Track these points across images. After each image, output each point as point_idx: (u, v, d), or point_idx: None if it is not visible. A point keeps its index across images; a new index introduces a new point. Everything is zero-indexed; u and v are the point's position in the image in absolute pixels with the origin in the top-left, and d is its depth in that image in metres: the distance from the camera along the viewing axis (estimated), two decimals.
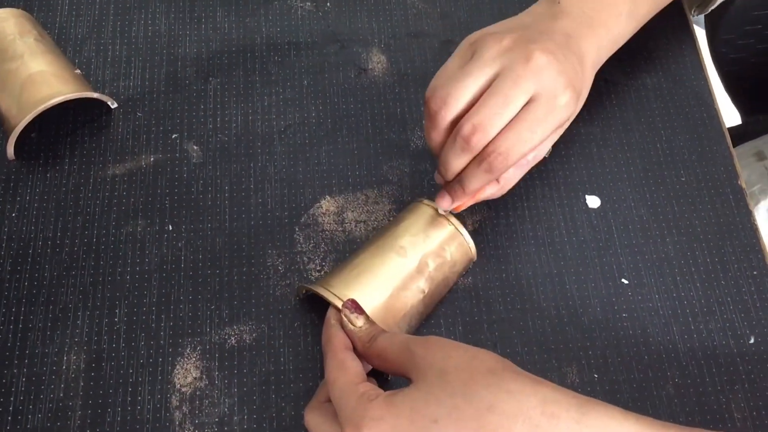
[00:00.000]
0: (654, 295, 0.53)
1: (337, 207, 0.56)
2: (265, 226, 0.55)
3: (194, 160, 0.57)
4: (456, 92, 0.45)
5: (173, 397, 0.49)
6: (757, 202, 0.75)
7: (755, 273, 0.54)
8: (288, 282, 0.53)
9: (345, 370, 0.42)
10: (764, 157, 0.83)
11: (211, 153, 0.57)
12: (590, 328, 0.52)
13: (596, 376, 0.50)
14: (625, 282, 0.53)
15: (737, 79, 0.86)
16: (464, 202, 0.50)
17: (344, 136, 0.58)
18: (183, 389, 0.49)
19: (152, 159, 0.57)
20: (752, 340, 0.52)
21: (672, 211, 0.56)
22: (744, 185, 0.57)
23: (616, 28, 0.52)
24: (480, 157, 0.46)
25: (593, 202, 0.56)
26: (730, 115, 0.91)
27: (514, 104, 0.45)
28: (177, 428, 0.48)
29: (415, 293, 0.48)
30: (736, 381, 0.50)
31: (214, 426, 0.48)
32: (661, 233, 0.55)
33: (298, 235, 0.54)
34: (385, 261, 0.48)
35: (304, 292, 0.51)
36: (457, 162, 0.46)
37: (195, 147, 0.57)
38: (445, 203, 0.49)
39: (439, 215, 0.50)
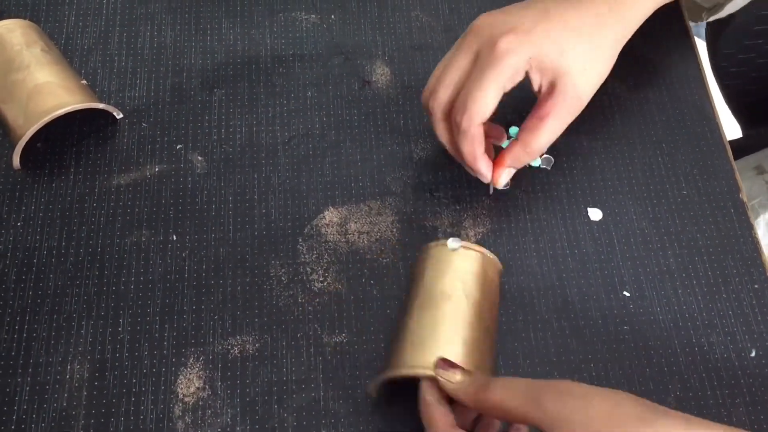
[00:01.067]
0: (655, 307, 0.53)
1: (341, 218, 0.56)
2: (268, 236, 0.55)
3: (199, 171, 0.57)
4: (434, 83, 0.51)
5: (176, 406, 0.49)
6: (757, 216, 0.76)
7: (756, 286, 0.54)
8: (291, 293, 0.53)
9: None
10: (764, 170, 0.83)
11: (216, 164, 0.57)
12: (592, 341, 0.52)
13: None
14: (627, 294, 0.54)
15: (738, 92, 0.87)
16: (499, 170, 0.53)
17: (348, 148, 0.59)
18: (186, 399, 0.49)
19: (157, 169, 0.57)
20: (753, 354, 0.52)
21: (673, 224, 0.56)
22: (745, 199, 0.57)
23: None
24: (453, 122, 0.50)
25: (595, 214, 0.57)
26: (731, 128, 0.91)
27: (454, 64, 0.50)
28: None
29: (481, 327, 0.47)
30: (738, 394, 0.51)
31: None
32: (663, 246, 0.55)
33: (301, 245, 0.55)
34: (438, 314, 0.47)
35: (381, 383, 0.47)
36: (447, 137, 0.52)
37: (200, 158, 0.58)
38: (484, 178, 0.53)
39: (452, 250, 0.49)
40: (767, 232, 0.79)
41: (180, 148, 0.58)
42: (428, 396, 0.44)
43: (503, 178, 0.53)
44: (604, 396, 0.38)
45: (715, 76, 0.85)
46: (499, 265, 0.51)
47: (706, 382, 0.51)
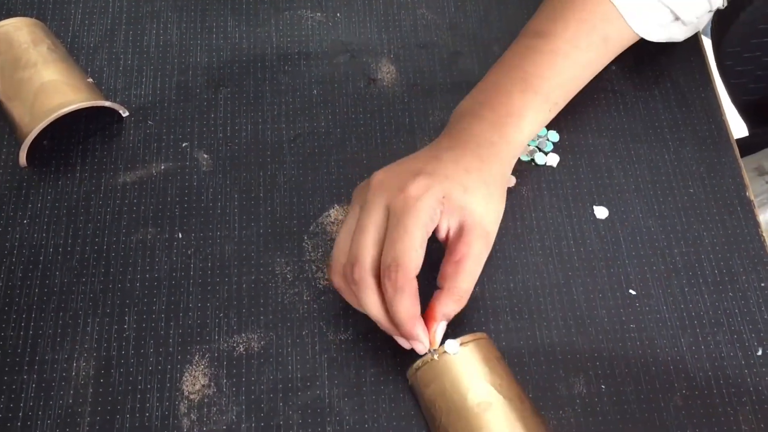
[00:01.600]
0: (662, 305, 0.53)
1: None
2: (274, 234, 0.55)
3: (204, 169, 0.57)
4: (353, 252, 0.46)
5: (181, 404, 0.49)
6: (761, 221, 0.76)
7: (763, 284, 0.54)
8: (296, 290, 0.53)
9: None
10: (765, 171, 0.83)
11: (221, 161, 0.57)
12: (597, 339, 0.52)
13: (603, 387, 0.50)
14: (633, 293, 0.54)
15: (743, 90, 0.86)
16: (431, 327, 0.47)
17: (353, 146, 0.59)
18: (191, 396, 0.49)
19: (163, 167, 0.57)
20: (760, 352, 0.52)
21: (680, 222, 0.56)
22: (752, 197, 0.57)
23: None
24: (382, 284, 0.45)
25: (601, 212, 0.56)
26: (736, 127, 0.91)
27: (371, 226, 0.46)
28: None
29: (526, 409, 0.46)
30: (744, 393, 0.50)
31: None
32: (669, 244, 0.55)
33: (307, 243, 0.55)
34: (488, 427, 0.44)
35: None
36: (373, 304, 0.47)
37: (205, 155, 0.58)
38: (420, 347, 0.47)
39: (455, 354, 0.47)
40: (766, 230, 0.78)
41: (186, 146, 0.58)
42: None
43: (439, 334, 0.47)
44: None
45: (720, 74, 0.84)
46: (487, 336, 0.49)
47: (713, 381, 0.51)
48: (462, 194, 0.47)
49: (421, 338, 0.46)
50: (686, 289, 0.54)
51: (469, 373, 0.46)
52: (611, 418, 0.49)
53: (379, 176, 0.48)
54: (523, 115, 0.52)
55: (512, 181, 0.56)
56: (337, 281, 0.48)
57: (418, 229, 0.45)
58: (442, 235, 0.48)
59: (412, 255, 0.45)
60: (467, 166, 0.48)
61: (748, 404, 0.50)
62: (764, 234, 0.56)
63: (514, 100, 0.52)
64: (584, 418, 0.49)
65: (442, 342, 0.47)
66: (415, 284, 0.45)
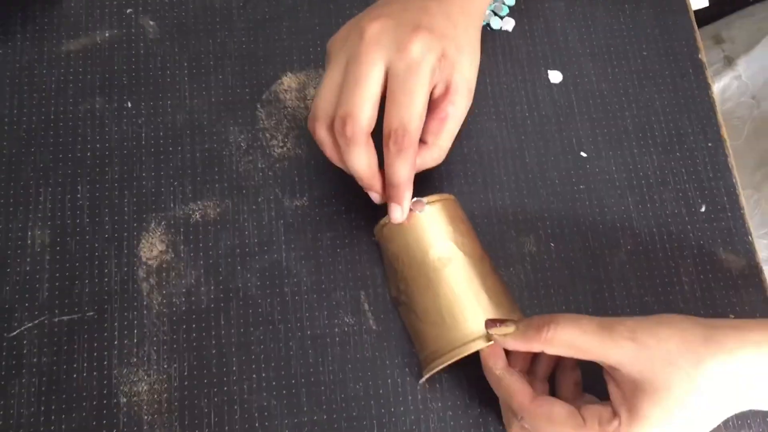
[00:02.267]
0: (611, 167, 0.54)
1: (299, 83, 0.55)
2: (226, 103, 0.54)
3: (151, 36, 0.55)
4: (355, 105, 0.43)
5: (140, 269, 0.50)
6: (712, 84, 0.76)
7: (710, 145, 0.55)
8: (251, 158, 0.53)
9: (553, 420, 0.41)
10: (721, 40, 0.83)
11: (168, 29, 0.56)
12: (548, 200, 0.53)
13: (552, 245, 0.52)
14: (584, 155, 0.54)
15: None
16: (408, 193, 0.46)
17: (305, 12, 0.57)
18: (149, 262, 0.50)
19: (107, 34, 0.55)
20: (703, 209, 0.53)
21: (632, 86, 0.56)
22: (704, 59, 0.57)
23: None
24: (386, 145, 0.44)
25: (555, 77, 0.56)
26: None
27: (368, 82, 0.43)
28: (145, 299, 0.49)
29: (486, 267, 0.47)
30: (686, 247, 0.52)
31: (181, 296, 0.49)
32: (621, 107, 0.56)
33: (260, 112, 0.54)
34: (451, 282, 0.45)
35: (431, 373, 0.45)
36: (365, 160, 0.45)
37: (151, 22, 0.56)
38: (398, 214, 0.46)
39: (420, 212, 0.47)
40: (720, 99, 0.80)
41: (130, 12, 0.56)
42: (497, 370, 0.44)
43: (399, 213, 0.47)
44: (668, 324, 0.40)
45: None
46: (453, 198, 0.49)
47: (657, 237, 0.53)
48: (455, 52, 0.45)
49: (405, 204, 0.46)
50: (635, 151, 0.55)
51: (433, 230, 0.47)
52: (559, 274, 0.51)
53: (373, 28, 0.44)
54: None
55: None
56: (321, 134, 0.45)
57: (423, 93, 0.43)
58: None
59: (418, 120, 0.43)
60: (456, 21, 0.46)
61: (690, 257, 0.52)
62: (717, 104, 0.57)
63: None
64: (533, 274, 0.51)
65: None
66: (417, 148, 0.44)
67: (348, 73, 0.43)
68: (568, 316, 0.42)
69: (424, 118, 0.44)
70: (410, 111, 0.42)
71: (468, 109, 0.47)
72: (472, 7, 0.47)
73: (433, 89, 0.45)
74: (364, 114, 0.43)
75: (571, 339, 0.41)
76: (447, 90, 0.46)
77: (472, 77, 0.46)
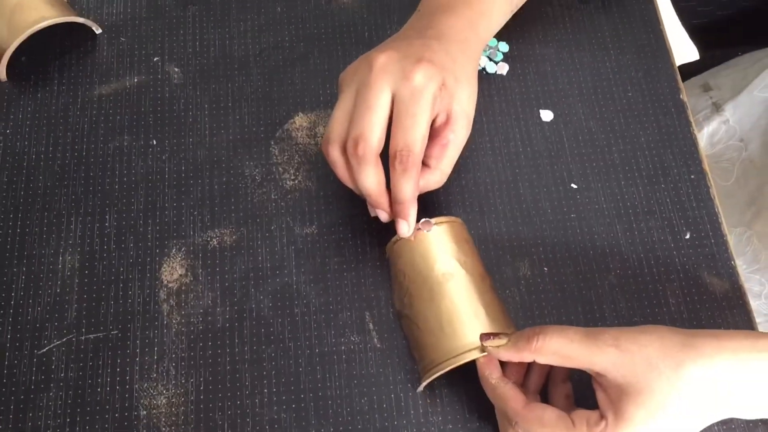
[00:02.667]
0: (600, 197, 0.58)
1: (310, 122, 0.60)
2: (242, 140, 0.59)
3: (175, 81, 0.61)
4: (363, 131, 0.48)
5: (161, 291, 0.54)
6: (701, 128, 0.80)
7: (693, 177, 0.59)
8: (265, 190, 0.57)
9: (544, 423, 0.44)
10: (709, 88, 0.87)
11: (191, 74, 0.61)
12: (541, 228, 0.57)
13: (546, 269, 0.55)
14: (574, 186, 0.58)
15: (692, 14, 0.91)
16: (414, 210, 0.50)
17: (316, 58, 0.62)
18: (170, 285, 0.54)
19: (136, 80, 0.60)
20: (688, 236, 0.57)
21: (618, 123, 0.61)
22: (686, 99, 0.62)
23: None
24: (392, 165, 0.48)
25: (546, 116, 0.61)
26: (689, 53, 0.95)
27: (377, 107, 0.47)
28: (165, 318, 0.53)
29: (486, 285, 0.50)
30: (672, 272, 0.56)
31: (199, 316, 0.53)
32: (608, 143, 0.60)
33: (274, 148, 0.59)
34: (452, 296, 0.49)
35: (430, 379, 0.48)
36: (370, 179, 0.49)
37: (176, 69, 0.61)
38: (405, 228, 0.50)
39: (428, 232, 0.51)
40: (709, 143, 0.83)
41: (157, 60, 0.61)
42: (493, 379, 0.47)
43: (406, 228, 0.50)
44: (649, 332, 0.43)
45: None
46: (460, 221, 0.53)
47: (644, 261, 0.56)
48: (454, 84, 0.50)
49: (410, 220, 0.50)
50: (623, 182, 0.59)
51: (438, 248, 0.50)
52: (552, 296, 0.55)
53: (381, 60, 0.48)
54: (492, 14, 0.55)
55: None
56: (335, 155, 0.49)
57: (425, 117, 0.48)
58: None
59: (420, 141, 0.47)
60: (455, 57, 0.51)
61: (676, 281, 0.55)
62: (698, 140, 0.61)
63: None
64: (528, 296, 0.55)
65: (419, 221, 0.51)
66: (419, 168, 0.49)
67: (359, 99, 0.48)
68: (556, 327, 0.45)
69: (426, 140, 0.48)
70: (414, 133, 0.47)
71: (467, 137, 0.51)
72: (469, 48, 0.52)
73: (435, 118, 0.50)
74: (374, 135, 0.47)
75: (558, 347, 0.44)
76: (447, 119, 0.50)
77: (470, 108, 0.51)
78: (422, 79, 0.47)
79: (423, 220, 0.51)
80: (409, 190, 0.48)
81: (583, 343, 0.43)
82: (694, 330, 0.44)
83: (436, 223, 0.51)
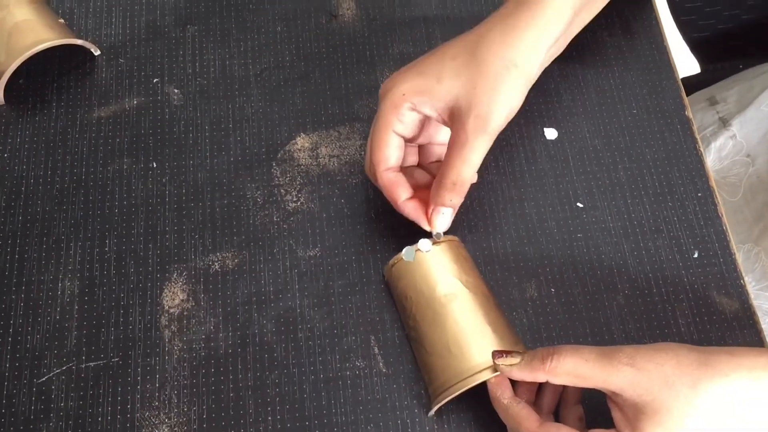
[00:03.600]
0: (606, 216, 0.57)
1: (311, 143, 0.59)
2: (244, 161, 0.58)
3: (175, 103, 0.60)
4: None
5: (162, 317, 0.53)
6: (708, 144, 0.80)
7: (700, 195, 0.58)
8: (267, 212, 0.56)
9: None
10: (716, 102, 0.87)
11: (191, 95, 0.60)
12: (548, 248, 0.56)
13: (553, 290, 0.55)
14: (580, 205, 0.58)
15: (693, 28, 0.90)
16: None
17: (317, 78, 0.62)
18: (171, 310, 0.53)
19: (135, 102, 0.60)
20: (696, 255, 0.56)
21: (624, 141, 0.60)
22: (691, 115, 0.61)
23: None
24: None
25: (551, 134, 0.60)
26: (690, 66, 0.95)
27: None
28: (167, 345, 0.52)
29: (491, 303, 0.50)
30: (681, 291, 0.55)
31: (201, 342, 0.52)
32: (614, 161, 0.59)
33: (275, 169, 0.58)
34: (457, 316, 0.48)
35: (441, 403, 0.48)
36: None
37: (176, 90, 0.61)
38: (443, 219, 0.51)
39: (427, 252, 0.50)
40: (717, 158, 0.83)
41: (156, 81, 0.61)
42: (505, 399, 0.46)
43: (437, 220, 0.51)
44: (665, 350, 0.43)
45: (670, 11, 0.88)
46: (458, 240, 0.53)
47: (653, 281, 0.55)
48: (434, 84, 0.49)
49: (410, 213, 0.51)
50: (629, 201, 0.58)
51: (439, 268, 0.50)
52: (560, 317, 0.54)
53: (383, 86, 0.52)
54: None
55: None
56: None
57: (383, 129, 0.50)
58: (439, 122, 0.51)
59: (377, 151, 0.50)
60: (454, 53, 0.49)
61: (685, 301, 0.55)
62: (709, 165, 0.60)
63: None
64: (535, 318, 0.54)
65: (416, 242, 0.51)
66: (389, 176, 0.51)
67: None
68: (570, 347, 0.44)
69: (388, 152, 0.51)
70: (371, 144, 0.51)
71: (476, 134, 0.49)
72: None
73: (444, 123, 0.51)
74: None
75: (573, 368, 0.43)
76: (452, 123, 0.50)
77: (475, 106, 0.49)
78: (381, 91, 0.51)
79: (421, 240, 0.51)
80: (387, 195, 0.51)
81: (598, 362, 0.43)
82: (709, 347, 0.43)
83: (434, 243, 0.50)
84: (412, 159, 0.56)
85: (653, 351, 0.43)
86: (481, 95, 0.48)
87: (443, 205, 0.50)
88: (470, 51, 0.49)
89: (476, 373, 0.46)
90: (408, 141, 0.53)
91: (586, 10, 0.53)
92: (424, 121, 0.53)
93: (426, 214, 0.51)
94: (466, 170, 0.49)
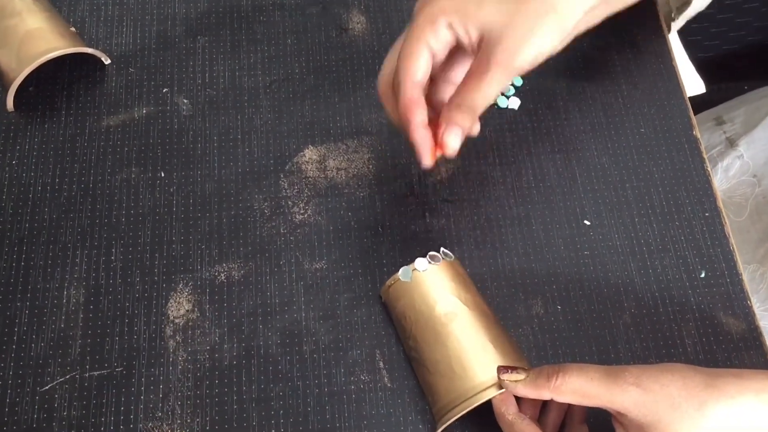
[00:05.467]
0: (614, 234, 0.57)
1: (320, 155, 0.59)
2: (251, 173, 0.58)
3: (184, 113, 0.60)
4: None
5: (167, 327, 0.53)
6: (716, 164, 0.80)
7: (707, 214, 0.58)
8: (273, 224, 0.56)
9: None
10: (723, 122, 0.87)
11: (200, 106, 0.60)
12: (554, 265, 0.56)
13: (559, 307, 0.55)
14: (587, 223, 0.58)
15: (699, 48, 0.91)
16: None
17: (326, 91, 0.62)
18: (176, 320, 0.53)
19: (144, 111, 0.60)
20: (703, 275, 0.56)
21: (631, 159, 0.60)
22: (699, 135, 0.61)
23: None
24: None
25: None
26: (696, 85, 0.95)
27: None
28: (171, 355, 0.52)
29: (491, 320, 0.50)
30: (688, 311, 0.55)
31: (205, 353, 0.52)
32: (621, 179, 0.59)
33: (283, 181, 0.58)
34: (458, 335, 0.48)
35: (447, 424, 0.48)
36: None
37: (185, 100, 0.61)
38: (455, 139, 0.47)
39: (424, 271, 0.50)
40: (724, 177, 0.83)
41: (166, 91, 0.61)
42: (509, 415, 0.46)
43: (450, 137, 0.48)
44: (671, 371, 0.42)
45: (677, 31, 0.88)
46: (454, 257, 0.53)
47: (659, 300, 0.55)
48: (475, 8, 0.47)
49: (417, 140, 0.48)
50: (636, 219, 0.58)
51: (436, 288, 0.50)
52: (566, 335, 0.54)
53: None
54: None
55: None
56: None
57: (415, 41, 0.47)
58: (465, 42, 0.48)
59: (406, 62, 0.48)
60: None
61: (692, 321, 0.54)
62: (717, 184, 0.60)
63: None
64: (541, 335, 0.54)
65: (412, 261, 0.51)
66: (414, 92, 0.48)
67: None
68: (576, 365, 0.44)
69: (417, 65, 0.47)
70: (401, 53, 0.48)
71: (499, 68, 0.47)
72: None
73: (470, 46, 0.48)
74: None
75: (579, 386, 0.43)
76: (479, 46, 0.48)
77: (505, 39, 0.47)
78: (417, 5, 0.48)
79: (417, 259, 0.51)
80: (401, 111, 0.47)
81: (603, 381, 0.42)
82: (715, 369, 0.43)
83: (415, 269, 0.50)
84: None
85: (659, 372, 0.42)
86: (514, 29, 0.47)
87: (456, 124, 0.48)
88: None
89: (481, 391, 0.46)
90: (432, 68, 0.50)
91: None
92: (453, 51, 0.50)
93: (435, 139, 0.48)
94: (483, 98, 0.47)
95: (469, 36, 0.48)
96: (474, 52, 0.49)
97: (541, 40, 0.47)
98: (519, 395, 0.46)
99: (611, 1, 0.52)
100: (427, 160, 0.48)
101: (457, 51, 0.50)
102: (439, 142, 0.48)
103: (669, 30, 0.67)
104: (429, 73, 0.49)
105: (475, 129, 0.49)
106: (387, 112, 0.50)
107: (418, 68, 0.48)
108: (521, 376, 0.45)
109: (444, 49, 0.49)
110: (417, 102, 0.48)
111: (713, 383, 0.42)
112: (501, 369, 0.46)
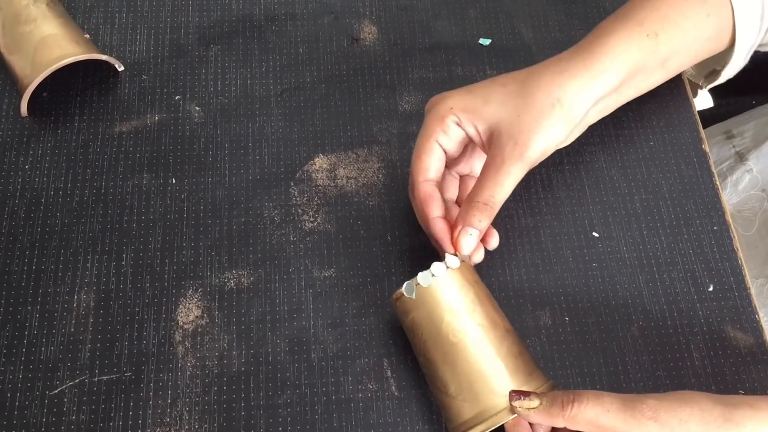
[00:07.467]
0: (622, 247, 0.57)
1: (330, 164, 0.60)
2: (262, 180, 0.59)
3: (196, 120, 0.61)
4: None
5: (176, 333, 0.53)
6: (725, 178, 0.80)
7: (716, 228, 0.58)
8: (283, 232, 0.57)
9: None
10: (732, 136, 0.87)
11: (212, 113, 0.61)
12: (563, 276, 0.56)
13: (567, 318, 0.55)
14: (596, 235, 0.58)
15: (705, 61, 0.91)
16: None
17: (337, 100, 0.62)
18: (185, 326, 0.53)
19: (157, 118, 0.60)
20: (711, 288, 0.56)
21: (640, 172, 0.60)
22: (707, 149, 0.61)
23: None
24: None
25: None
26: (704, 99, 0.96)
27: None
28: (180, 361, 0.52)
29: (505, 330, 0.48)
30: (696, 324, 0.55)
31: (214, 359, 0.52)
32: (630, 191, 0.60)
33: (293, 189, 0.58)
34: (472, 352, 0.47)
35: None
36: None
37: (197, 108, 0.61)
38: (469, 240, 0.49)
39: (420, 287, 0.48)
40: (733, 191, 0.83)
41: (178, 99, 0.61)
42: None
43: (464, 240, 0.49)
44: (689, 403, 0.42)
45: None
46: (467, 260, 0.51)
47: (667, 313, 0.55)
48: (482, 105, 0.50)
49: (437, 234, 0.50)
50: (645, 232, 0.58)
51: (444, 302, 0.48)
52: (574, 346, 0.54)
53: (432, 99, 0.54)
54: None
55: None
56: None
57: (425, 140, 0.51)
58: (476, 141, 0.52)
59: (419, 160, 0.51)
60: (504, 81, 0.51)
61: (700, 334, 0.54)
62: (726, 198, 0.60)
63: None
64: (549, 346, 0.54)
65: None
66: (427, 188, 0.51)
67: None
68: (591, 394, 0.43)
69: (429, 162, 0.52)
70: (414, 153, 0.52)
71: (512, 159, 0.49)
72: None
73: (480, 142, 0.52)
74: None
75: (594, 417, 0.42)
76: (489, 141, 0.51)
77: (516, 131, 0.50)
78: (428, 105, 0.52)
79: (435, 265, 0.48)
80: (416, 208, 0.52)
81: (620, 414, 0.42)
82: (732, 399, 0.42)
83: (434, 275, 0.48)
84: (453, 191, 0.55)
85: (677, 404, 0.42)
86: (523, 124, 0.49)
87: (471, 225, 0.49)
88: (521, 82, 0.51)
89: (493, 415, 0.45)
90: (449, 162, 0.53)
91: (642, 77, 0.54)
92: (467, 146, 0.53)
93: (452, 235, 0.50)
94: (498, 192, 0.49)
95: (479, 132, 0.51)
96: (484, 148, 0.51)
97: (548, 133, 0.49)
98: (532, 422, 0.46)
99: (622, 92, 0.54)
100: (449, 249, 0.50)
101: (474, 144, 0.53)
102: (453, 243, 0.50)
103: (695, 94, 0.67)
104: (442, 169, 0.52)
105: (494, 242, 0.52)
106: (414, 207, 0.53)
107: (430, 165, 0.51)
108: (534, 403, 0.44)
109: (456, 145, 0.52)
110: (432, 196, 0.51)
111: (731, 417, 0.41)
112: (513, 395, 0.45)
